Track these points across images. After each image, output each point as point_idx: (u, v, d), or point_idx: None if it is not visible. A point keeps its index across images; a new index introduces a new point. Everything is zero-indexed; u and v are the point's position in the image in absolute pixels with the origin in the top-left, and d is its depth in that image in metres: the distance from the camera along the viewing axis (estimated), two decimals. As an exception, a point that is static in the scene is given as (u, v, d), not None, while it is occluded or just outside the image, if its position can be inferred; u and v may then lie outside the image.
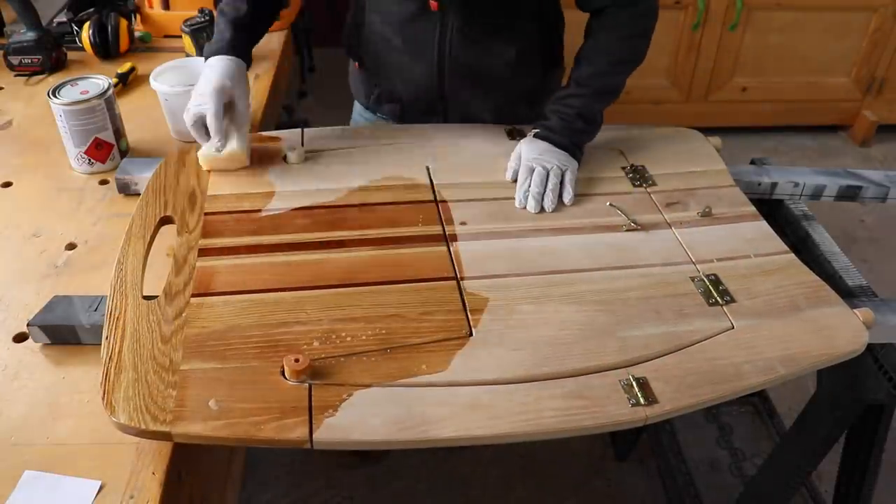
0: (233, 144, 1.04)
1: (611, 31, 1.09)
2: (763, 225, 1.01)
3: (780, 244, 0.97)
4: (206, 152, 1.04)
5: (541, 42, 1.20)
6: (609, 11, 1.08)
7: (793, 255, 0.95)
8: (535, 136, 1.09)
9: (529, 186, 1.02)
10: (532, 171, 1.03)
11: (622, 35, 1.09)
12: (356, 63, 1.27)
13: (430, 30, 1.12)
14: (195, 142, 1.06)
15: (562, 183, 1.03)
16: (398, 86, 1.22)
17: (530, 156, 1.06)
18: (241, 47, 1.08)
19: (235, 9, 1.09)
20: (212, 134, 1.02)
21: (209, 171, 1.05)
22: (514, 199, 1.03)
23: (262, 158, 1.09)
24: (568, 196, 1.02)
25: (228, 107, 1.05)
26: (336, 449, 0.71)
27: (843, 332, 0.83)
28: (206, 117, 1.01)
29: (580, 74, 1.10)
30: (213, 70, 1.04)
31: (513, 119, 1.21)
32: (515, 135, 1.18)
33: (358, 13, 1.20)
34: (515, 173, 1.06)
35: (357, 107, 1.35)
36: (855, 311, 0.85)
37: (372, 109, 1.30)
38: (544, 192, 1.02)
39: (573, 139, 1.08)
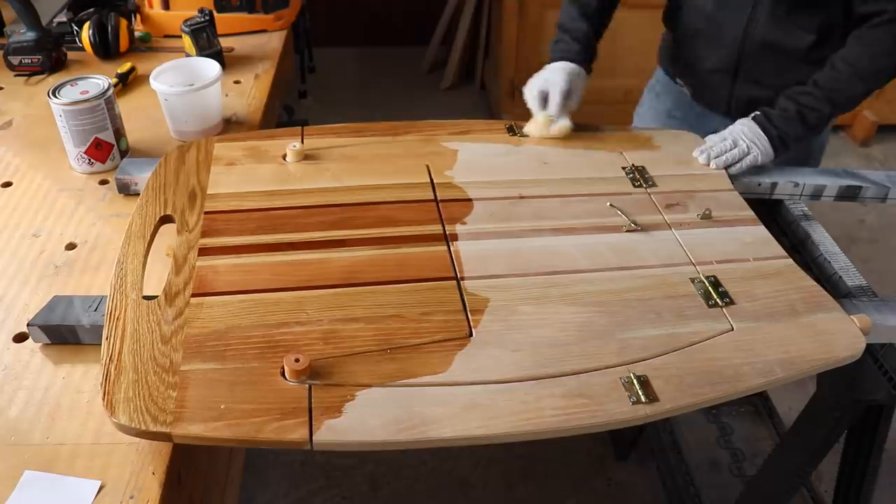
0: (566, 122, 1.17)
1: (868, 44, 1.10)
2: (761, 229, 1.01)
3: (778, 249, 0.97)
4: (538, 125, 1.17)
5: (842, 32, 1.16)
6: (875, 22, 1.08)
7: (791, 260, 0.95)
8: (754, 117, 1.15)
9: (713, 147, 1.13)
10: (725, 139, 1.14)
11: (876, 51, 1.09)
12: (670, 30, 1.38)
13: (742, 7, 1.19)
14: (195, 141, 1.06)
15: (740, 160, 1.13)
16: (700, 57, 1.29)
17: (736, 129, 1.15)
18: (587, 51, 1.25)
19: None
20: (554, 107, 1.17)
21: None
22: (513, 198, 1.03)
23: (261, 157, 1.09)
24: (737, 167, 1.13)
25: (567, 93, 1.19)
26: (336, 450, 0.71)
27: (840, 337, 0.83)
28: (553, 91, 1.17)
29: (821, 76, 1.13)
30: (561, 64, 1.21)
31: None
32: (515, 130, 1.18)
33: None
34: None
35: (658, 71, 1.48)
36: (852, 317, 0.85)
37: (671, 75, 1.42)
38: (723, 155, 1.13)
39: (783, 132, 1.13)
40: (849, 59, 1.10)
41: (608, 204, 1.02)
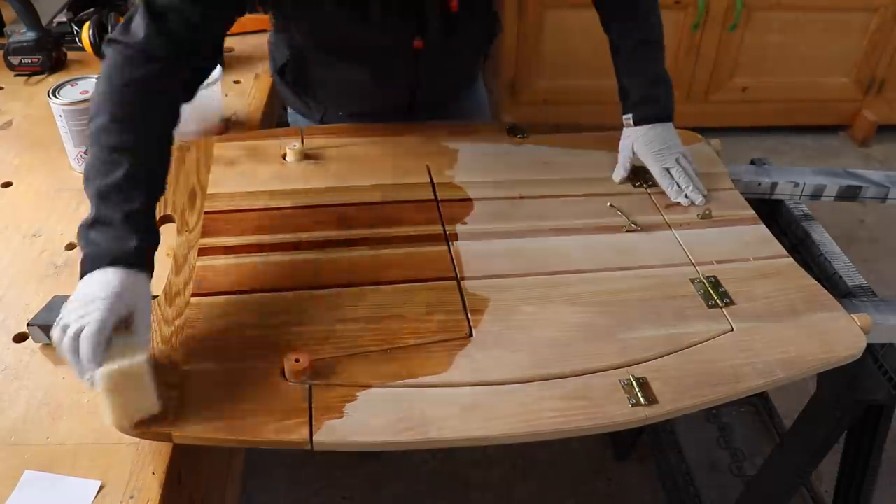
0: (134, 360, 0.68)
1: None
2: (762, 229, 1.01)
3: (778, 248, 0.97)
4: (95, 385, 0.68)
5: (488, 33, 1.20)
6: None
7: (791, 259, 0.95)
8: (637, 121, 1.06)
9: (680, 185, 1.03)
10: (669, 171, 1.04)
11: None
12: (293, 92, 1.21)
13: (407, 62, 1.07)
14: (195, 141, 1.06)
15: None
16: (359, 108, 1.19)
17: (651, 151, 1.04)
18: (148, 249, 0.77)
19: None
20: (95, 361, 0.67)
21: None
22: (513, 198, 1.03)
23: (261, 157, 1.09)
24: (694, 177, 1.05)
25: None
26: (336, 450, 0.71)
27: (840, 336, 0.83)
28: (89, 342, 0.67)
29: (624, 43, 1.07)
30: (126, 281, 0.72)
31: (463, 85, 1.26)
32: (515, 132, 1.18)
33: (297, 55, 1.12)
34: (627, 173, 1.07)
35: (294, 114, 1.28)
36: (853, 316, 0.85)
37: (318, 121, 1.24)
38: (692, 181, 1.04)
39: (664, 105, 1.06)
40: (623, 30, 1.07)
41: (608, 204, 1.02)
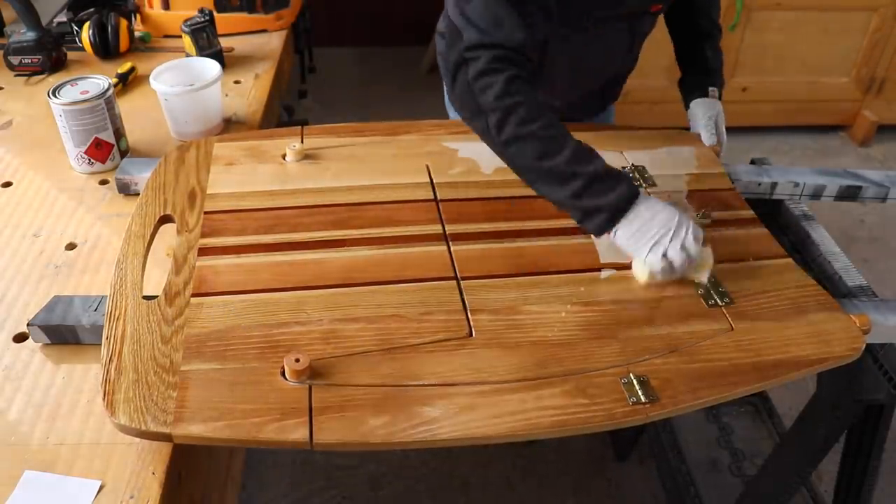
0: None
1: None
2: (762, 229, 1.01)
3: (778, 248, 0.97)
4: (709, 271, 0.90)
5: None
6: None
7: (791, 259, 0.95)
8: (712, 94, 1.20)
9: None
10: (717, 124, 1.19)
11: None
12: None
13: (632, 33, 1.17)
14: (195, 141, 1.06)
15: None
16: (579, 88, 1.25)
17: (722, 121, 1.19)
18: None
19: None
20: (700, 249, 0.89)
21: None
22: (513, 198, 1.03)
23: (261, 157, 1.09)
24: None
25: None
26: (336, 450, 0.71)
27: (840, 336, 0.83)
28: (693, 242, 0.88)
29: (712, 32, 1.23)
30: (658, 206, 0.90)
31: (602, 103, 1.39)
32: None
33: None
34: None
35: None
36: (852, 316, 0.85)
37: None
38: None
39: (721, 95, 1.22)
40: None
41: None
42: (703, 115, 1.19)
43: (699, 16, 1.23)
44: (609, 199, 0.88)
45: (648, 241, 0.88)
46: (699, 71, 1.23)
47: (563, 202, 0.91)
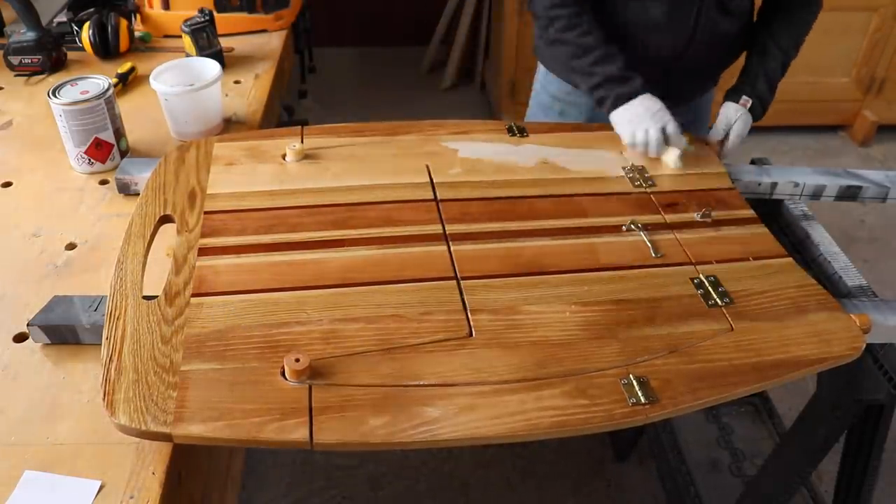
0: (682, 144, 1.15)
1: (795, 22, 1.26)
2: (762, 228, 1.01)
3: (778, 248, 0.97)
4: (678, 156, 1.13)
5: (749, 18, 1.31)
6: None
7: (791, 259, 0.95)
8: (751, 108, 1.23)
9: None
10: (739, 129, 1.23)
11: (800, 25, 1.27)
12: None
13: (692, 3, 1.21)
14: (195, 141, 1.06)
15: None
16: (649, 52, 1.26)
17: (739, 131, 1.22)
18: (643, 83, 1.18)
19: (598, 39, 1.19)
20: (678, 137, 1.14)
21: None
22: (513, 198, 1.03)
23: (261, 157, 1.09)
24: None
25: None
26: (336, 450, 0.71)
27: (840, 336, 0.83)
28: (671, 127, 1.13)
29: (773, 43, 1.24)
30: (649, 101, 1.16)
31: (709, 85, 1.42)
32: (515, 132, 1.18)
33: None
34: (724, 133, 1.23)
35: (553, 81, 1.46)
36: (853, 315, 0.85)
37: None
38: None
39: (765, 110, 1.25)
40: (782, 33, 1.25)
41: (623, 227, 0.99)
42: (723, 116, 1.23)
43: (788, 30, 1.25)
44: (616, 91, 1.17)
45: (635, 122, 1.15)
46: (754, 77, 1.24)
47: (587, 91, 1.21)
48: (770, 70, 1.24)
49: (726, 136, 1.22)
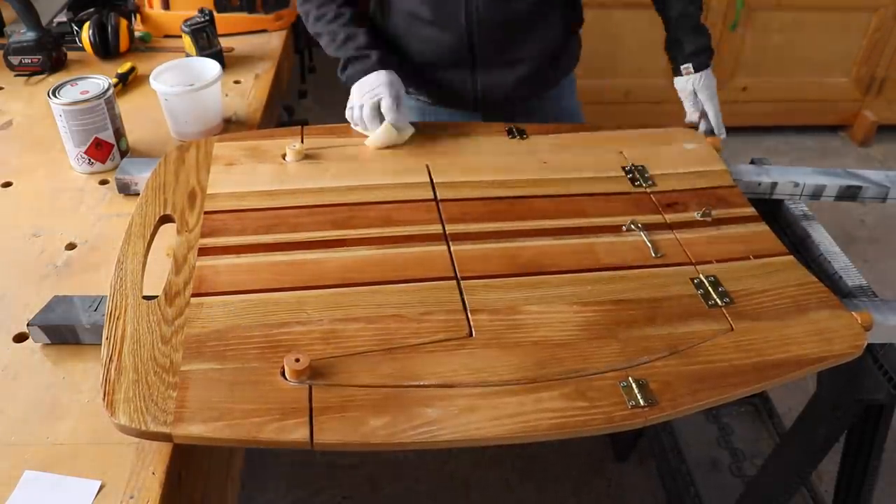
0: (408, 126, 1.15)
1: None
2: (763, 226, 1.01)
3: (779, 245, 0.97)
4: (382, 136, 1.12)
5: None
6: None
7: (792, 256, 0.95)
8: (696, 68, 1.21)
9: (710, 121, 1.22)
10: (706, 105, 1.22)
11: None
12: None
13: None
14: (195, 141, 1.06)
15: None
16: (426, 54, 1.25)
17: (709, 94, 1.21)
18: (386, 54, 1.18)
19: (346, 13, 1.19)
20: (394, 116, 1.12)
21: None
22: (513, 198, 1.03)
23: (261, 157, 1.09)
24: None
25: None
26: (337, 450, 0.71)
27: (842, 334, 0.83)
28: (386, 101, 1.11)
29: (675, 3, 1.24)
30: (375, 76, 1.15)
31: (537, 79, 1.30)
32: (515, 134, 1.18)
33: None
34: (698, 119, 1.23)
35: None
36: (854, 313, 0.85)
37: None
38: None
39: (710, 53, 1.23)
40: None
41: (623, 228, 0.99)
42: (682, 95, 1.23)
43: None
44: (354, 69, 1.16)
45: (354, 100, 1.15)
46: (673, 42, 1.24)
47: (344, 78, 1.19)
48: (681, 21, 1.23)
49: (703, 111, 1.22)
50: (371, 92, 1.13)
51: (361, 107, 1.13)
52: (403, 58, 1.26)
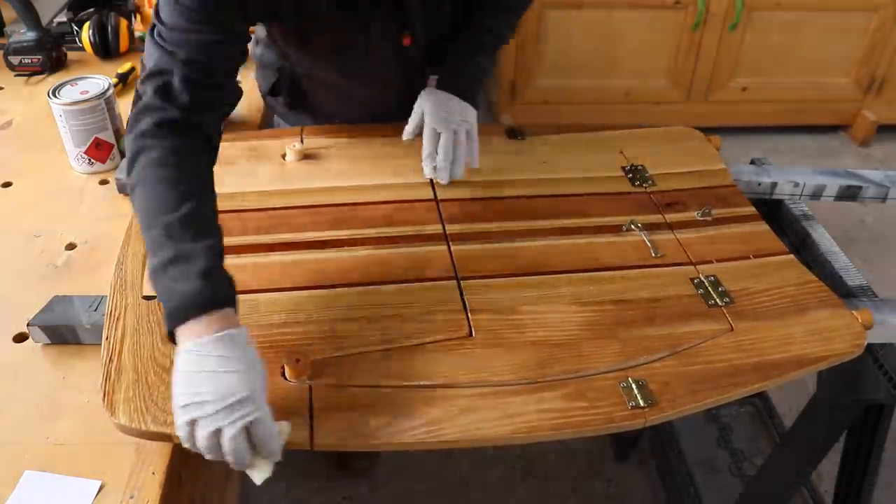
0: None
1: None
2: (763, 225, 1.01)
3: (779, 244, 0.97)
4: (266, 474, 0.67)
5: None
6: None
7: (792, 255, 0.95)
8: (439, 85, 1.05)
9: (438, 156, 1.01)
10: (439, 136, 1.01)
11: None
12: (288, 108, 1.22)
13: (399, 63, 1.06)
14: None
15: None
16: (358, 116, 1.17)
17: (435, 114, 1.01)
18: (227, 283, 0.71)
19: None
20: (268, 444, 0.65)
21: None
22: (513, 198, 1.03)
23: (261, 157, 1.09)
24: (474, 163, 1.04)
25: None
26: (337, 450, 0.71)
27: (842, 333, 0.83)
28: (260, 427, 0.64)
29: (477, 23, 1.07)
30: (233, 350, 0.65)
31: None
32: (514, 135, 1.18)
33: (290, 71, 1.15)
34: (416, 131, 1.05)
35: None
36: (854, 312, 0.85)
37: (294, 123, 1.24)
38: (454, 159, 1.01)
39: (472, 84, 1.07)
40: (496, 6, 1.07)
41: (623, 227, 0.99)
42: (415, 105, 1.06)
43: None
44: (178, 298, 0.66)
45: (192, 407, 0.62)
46: (447, 59, 1.07)
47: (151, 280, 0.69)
48: (465, 46, 1.07)
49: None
50: (232, 407, 0.62)
51: (217, 432, 0.63)
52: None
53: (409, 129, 1.07)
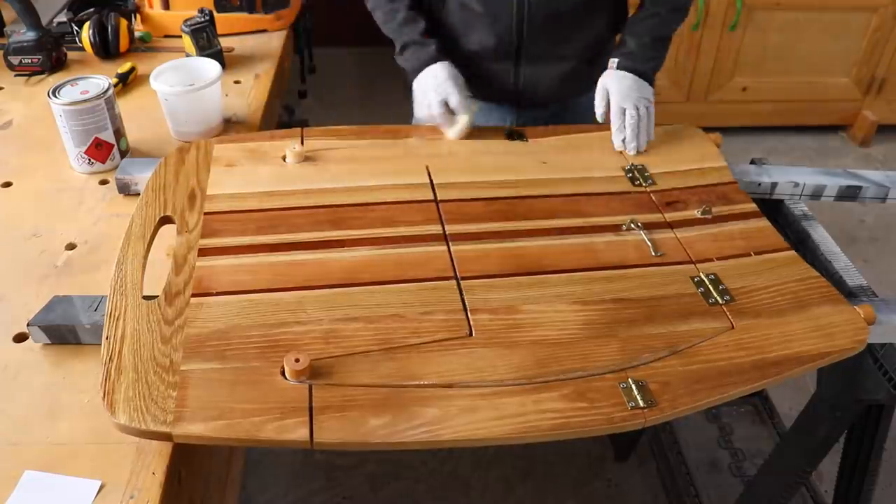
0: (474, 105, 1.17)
1: None
2: (763, 221, 1.01)
3: (780, 241, 0.97)
4: (463, 131, 1.15)
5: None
6: None
7: (794, 251, 0.95)
8: (619, 66, 1.18)
9: (626, 130, 1.14)
10: (624, 112, 1.15)
11: None
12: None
13: None
14: (195, 141, 1.06)
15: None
16: (473, 46, 1.26)
17: (620, 94, 1.16)
18: (439, 49, 1.20)
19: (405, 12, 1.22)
20: (462, 109, 1.15)
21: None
22: (513, 198, 1.03)
23: (261, 159, 1.09)
24: (651, 135, 1.16)
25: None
26: (337, 450, 0.71)
27: (844, 329, 0.83)
28: (454, 99, 1.14)
29: (647, 10, 1.21)
30: (438, 70, 1.18)
31: (576, 77, 1.29)
32: (514, 137, 1.18)
33: None
34: (605, 113, 1.18)
35: None
36: (856, 307, 0.85)
37: None
38: (638, 132, 1.15)
39: (651, 65, 1.19)
40: None
41: (623, 227, 0.99)
42: (597, 89, 1.19)
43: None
44: (415, 57, 1.20)
45: (420, 97, 1.20)
46: (620, 43, 1.21)
47: (400, 61, 1.24)
48: (638, 29, 1.20)
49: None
50: (437, 89, 1.16)
51: (430, 105, 1.16)
52: (450, 48, 1.26)
53: (599, 109, 1.19)
